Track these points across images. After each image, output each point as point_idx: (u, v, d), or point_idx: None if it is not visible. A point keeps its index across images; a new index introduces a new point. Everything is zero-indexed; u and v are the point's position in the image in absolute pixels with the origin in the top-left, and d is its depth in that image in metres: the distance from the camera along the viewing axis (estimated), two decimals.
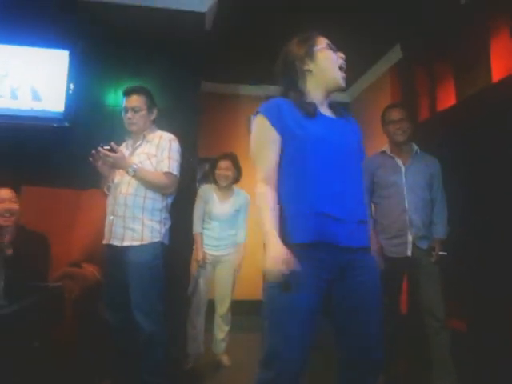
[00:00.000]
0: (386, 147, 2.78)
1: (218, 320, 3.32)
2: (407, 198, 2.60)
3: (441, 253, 2.63)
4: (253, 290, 5.31)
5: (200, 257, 3.19)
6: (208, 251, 3.25)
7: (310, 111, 1.54)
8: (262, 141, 1.55)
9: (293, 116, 1.52)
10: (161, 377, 2.44)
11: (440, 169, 2.72)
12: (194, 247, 3.29)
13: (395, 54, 4.59)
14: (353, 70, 5.23)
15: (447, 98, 3.82)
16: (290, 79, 1.61)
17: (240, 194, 3.39)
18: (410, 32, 4.06)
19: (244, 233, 3.41)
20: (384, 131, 2.79)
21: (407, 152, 2.71)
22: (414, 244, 2.59)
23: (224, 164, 3.31)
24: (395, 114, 2.72)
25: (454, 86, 3.72)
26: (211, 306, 3.35)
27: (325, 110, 1.63)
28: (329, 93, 1.64)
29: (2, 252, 2.44)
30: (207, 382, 3.04)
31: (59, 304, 2.44)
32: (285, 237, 1.45)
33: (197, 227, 3.25)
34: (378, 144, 4.95)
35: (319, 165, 1.50)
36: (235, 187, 3.41)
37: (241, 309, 4.97)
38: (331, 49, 1.62)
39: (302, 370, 1.47)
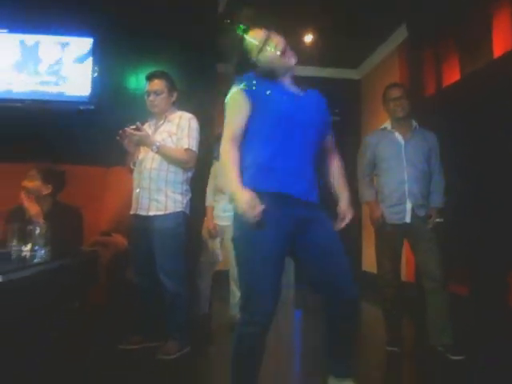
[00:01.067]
0: (387, 123, 2.97)
1: (231, 285, 3.56)
2: (406, 170, 2.80)
3: (437, 220, 2.84)
4: None
5: (210, 227, 3.45)
6: (217, 222, 3.51)
7: (273, 76, 1.80)
8: (234, 107, 1.77)
9: (260, 85, 1.77)
10: (183, 330, 2.74)
11: (438, 143, 2.91)
12: (205, 218, 3.54)
13: (402, 33, 4.73)
14: (362, 49, 5.42)
15: (452, 75, 3.97)
16: (248, 63, 1.83)
17: None
18: (415, 11, 4.19)
19: None
20: (385, 109, 2.98)
21: (407, 128, 2.90)
22: (412, 212, 2.79)
23: None
24: (395, 93, 2.91)
25: (458, 63, 3.87)
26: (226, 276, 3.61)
27: (288, 85, 1.86)
28: (285, 73, 1.85)
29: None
30: (223, 339, 3.31)
31: (94, 268, 2.72)
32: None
33: (208, 200, 3.52)
34: (387, 119, 5.14)
35: (277, 129, 1.74)
36: None
37: None
38: (277, 48, 1.81)
39: (274, 310, 1.69)
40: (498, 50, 3.41)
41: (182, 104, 2.96)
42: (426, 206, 2.83)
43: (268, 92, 1.77)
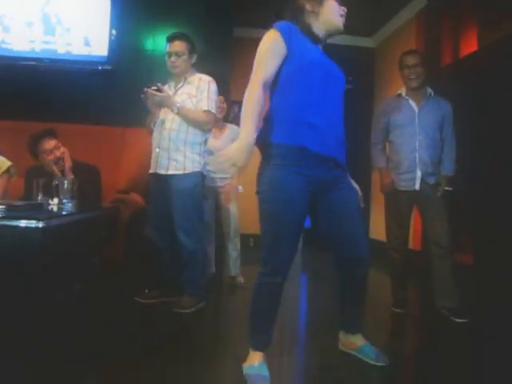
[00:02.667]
0: (402, 90, 2.98)
1: (227, 246, 3.67)
2: (418, 137, 2.83)
3: (446, 188, 2.89)
4: None
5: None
6: (208, 184, 3.49)
7: (315, 37, 1.83)
8: (270, 50, 1.73)
9: (299, 39, 1.79)
10: (199, 286, 2.86)
11: (451, 111, 2.92)
12: None
13: (420, 1, 4.67)
14: (378, 16, 5.36)
15: (469, 45, 3.96)
16: (298, 17, 1.85)
17: (232, 129, 3.64)
18: None
19: None
20: (400, 75, 2.99)
21: (421, 95, 2.91)
22: (422, 179, 2.85)
23: (219, 98, 3.41)
24: (410, 60, 2.91)
25: (476, 34, 3.85)
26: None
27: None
28: (328, 35, 1.90)
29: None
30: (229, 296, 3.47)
31: (116, 223, 2.82)
32: (269, 137, 1.75)
33: None
34: (401, 88, 5.13)
35: (314, 83, 1.76)
36: (228, 124, 3.69)
37: (255, 241, 5.36)
38: (337, 1, 1.86)
39: (291, 263, 1.83)
40: None
41: (197, 67, 3.00)
42: (436, 174, 2.88)
43: (304, 43, 1.79)
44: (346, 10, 1.88)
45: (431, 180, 2.86)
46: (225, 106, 3.63)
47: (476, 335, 2.55)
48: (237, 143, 1.65)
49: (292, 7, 1.88)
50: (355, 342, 2.08)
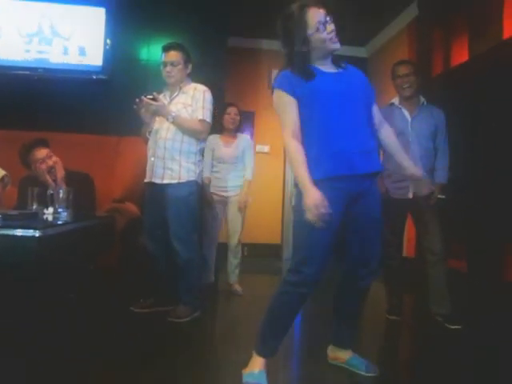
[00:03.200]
0: (395, 99, 3.02)
1: (228, 254, 3.71)
2: (411, 146, 2.86)
3: (439, 196, 2.90)
4: (270, 235, 5.74)
5: (208, 197, 3.53)
6: (218, 192, 3.61)
7: (308, 74, 1.83)
8: (283, 107, 1.84)
9: (298, 80, 1.82)
10: (195, 296, 2.85)
11: (445, 120, 2.95)
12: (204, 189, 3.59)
13: (412, 11, 4.74)
14: (371, 27, 5.44)
15: (460, 55, 4.01)
16: (293, 56, 1.86)
17: (243, 138, 3.74)
18: None
19: (251, 170, 3.72)
20: (393, 85, 3.03)
21: (414, 104, 2.95)
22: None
23: (233, 110, 3.66)
24: (402, 69, 2.95)
25: (467, 43, 3.90)
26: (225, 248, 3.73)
27: (328, 67, 1.90)
28: (327, 54, 1.90)
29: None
30: (227, 305, 3.47)
31: (111, 232, 2.81)
32: (309, 176, 1.78)
33: (205, 172, 3.49)
34: (394, 97, 5.18)
35: (329, 112, 1.81)
36: (239, 133, 3.75)
37: (258, 252, 5.39)
38: (319, 30, 1.81)
39: (320, 277, 1.84)
40: (507, 31, 3.44)
41: (193, 76, 3.01)
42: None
43: (305, 81, 1.82)
44: (333, 29, 1.85)
45: None
46: (238, 117, 3.68)
47: (469, 341, 2.57)
48: (306, 196, 1.70)
49: (285, 51, 1.90)
50: (342, 356, 2.09)
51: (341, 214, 1.82)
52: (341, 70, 1.92)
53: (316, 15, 1.82)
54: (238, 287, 3.67)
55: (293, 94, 1.82)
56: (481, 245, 3.52)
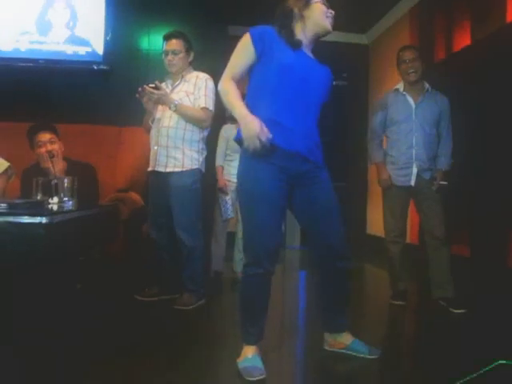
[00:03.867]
0: (400, 85, 3.01)
1: (237, 241, 3.70)
2: (415, 133, 2.87)
3: (441, 182, 2.92)
4: None
5: (221, 185, 3.57)
6: (233, 180, 3.53)
7: (295, 43, 1.87)
8: (239, 52, 1.86)
9: (277, 43, 1.85)
10: (199, 284, 2.87)
11: (449, 106, 2.95)
12: (218, 178, 3.63)
13: None
14: (372, 13, 5.39)
15: (463, 40, 3.98)
16: (286, 21, 1.92)
17: None
18: None
19: None
20: (398, 71, 3.03)
21: (419, 90, 2.94)
22: (418, 175, 2.89)
23: None
24: (407, 55, 2.94)
25: (469, 28, 3.88)
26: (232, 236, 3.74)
27: (307, 51, 1.95)
28: (317, 37, 1.95)
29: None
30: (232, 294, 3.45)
31: (116, 221, 2.82)
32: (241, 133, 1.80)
33: (219, 161, 3.59)
34: (395, 84, 5.16)
35: (288, 87, 1.83)
36: None
37: None
38: (324, 3, 1.92)
39: (275, 253, 1.86)
40: (511, 15, 3.42)
41: (194, 65, 3.00)
42: (432, 169, 2.92)
43: (282, 49, 1.84)
44: (333, 13, 1.94)
45: (427, 175, 2.90)
46: None
47: (473, 326, 2.58)
48: (244, 126, 1.71)
49: (281, 11, 1.94)
50: (343, 341, 2.06)
51: (280, 190, 1.82)
52: (316, 60, 1.96)
53: (322, 5, 1.91)
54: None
55: (257, 49, 1.83)
56: (485, 231, 3.52)
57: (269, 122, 1.76)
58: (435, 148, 2.93)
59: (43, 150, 2.91)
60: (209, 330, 2.50)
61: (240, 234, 3.65)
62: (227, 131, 3.60)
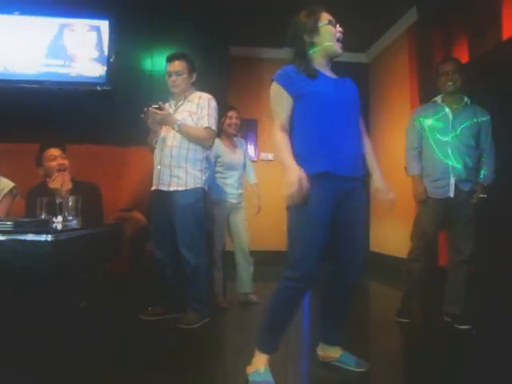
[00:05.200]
0: (438, 97, 2.98)
1: (241, 262, 3.54)
2: (451, 144, 2.83)
3: (481, 195, 2.85)
4: (275, 242, 5.73)
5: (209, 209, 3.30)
6: (228, 199, 3.46)
7: (312, 74, 1.94)
8: (277, 101, 1.94)
9: (300, 78, 1.92)
10: (203, 302, 2.85)
11: (489, 120, 2.91)
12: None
13: (412, 16, 4.78)
14: (371, 32, 5.49)
15: (461, 56, 4.04)
16: (299, 48, 2.00)
17: (240, 141, 3.68)
18: None
19: (254, 173, 3.73)
20: (436, 82, 2.99)
21: (457, 102, 2.91)
22: (456, 186, 2.80)
23: (233, 113, 3.56)
24: (447, 67, 2.92)
25: (467, 45, 3.94)
26: (231, 256, 3.59)
27: (327, 73, 2.02)
28: (330, 59, 2.03)
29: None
30: (237, 313, 3.42)
31: (118, 240, 2.83)
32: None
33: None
34: (395, 102, 5.23)
35: (326, 113, 1.91)
36: (235, 138, 3.65)
37: (263, 259, 5.37)
38: (332, 24, 1.98)
39: (318, 272, 1.89)
40: (507, 32, 3.48)
41: (196, 85, 3.03)
42: (471, 181, 2.84)
43: (307, 81, 1.91)
44: (342, 31, 2.01)
45: (466, 186, 2.83)
46: (239, 121, 3.60)
47: (476, 342, 2.55)
48: (290, 179, 1.78)
49: (293, 40, 2.01)
50: (333, 354, 2.12)
51: (331, 212, 1.90)
52: (338, 78, 2.03)
53: (327, 15, 2.00)
54: (254, 297, 3.54)
55: (290, 90, 1.91)
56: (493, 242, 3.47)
57: (314, 154, 1.88)
58: (474, 159, 2.86)
59: (55, 163, 2.97)
60: (214, 349, 2.49)
61: (247, 254, 3.54)
62: (216, 147, 3.35)
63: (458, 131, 2.84)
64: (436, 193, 2.87)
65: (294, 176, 1.77)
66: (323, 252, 1.90)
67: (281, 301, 1.93)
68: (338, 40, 1.98)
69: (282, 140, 1.90)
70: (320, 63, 1.99)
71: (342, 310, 2.12)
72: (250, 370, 1.90)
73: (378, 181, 2.09)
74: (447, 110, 2.90)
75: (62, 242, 1.57)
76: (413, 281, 2.96)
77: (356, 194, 1.99)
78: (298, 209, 1.87)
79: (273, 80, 1.96)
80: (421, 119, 2.97)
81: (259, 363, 1.90)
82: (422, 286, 3.01)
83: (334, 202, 1.91)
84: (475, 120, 2.87)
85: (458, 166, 2.82)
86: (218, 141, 3.43)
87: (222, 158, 3.46)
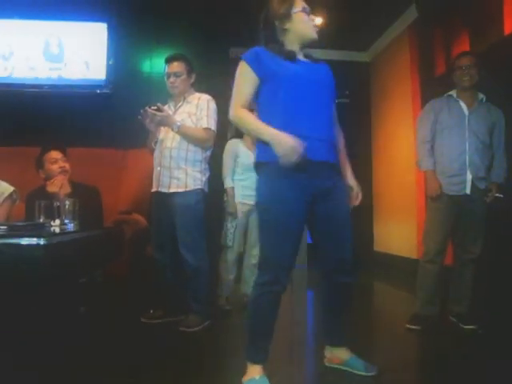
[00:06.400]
0: (453, 91, 2.89)
1: (249, 265, 3.47)
2: (468, 140, 2.73)
3: (497, 195, 2.78)
4: None
5: (234, 209, 3.32)
6: (246, 201, 3.34)
7: (290, 55, 1.88)
8: (241, 80, 1.87)
9: (273, 59, 1.84)
10: (204, 304, 2.83)
11: (503, 118, 2.85)
12: (226, 200, 3.40)
13: (411, 13, 4.75)
14: (372, 31, 5.45)
15: None
16: (270, 34, 1.93)
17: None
18: None
19: None
20: (452, 77, 2.90)
21: (472, 98, 2.83)
22: (472, 183, 2.72)
23: (254, 114, 3.46)
24: (464, 61, 2.82)
25: (468, 42, 3.90)
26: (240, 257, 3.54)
27: (300, 56, 1.95)
28: (304, 45, 1.96)
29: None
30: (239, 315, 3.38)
31: (120, 243, 2.81)
32: (261, 157, 1.84)
33: (228, 181, 3.34)
34: (397, 100, 5.20)
35: (296, 96, 1.83)
36: None
37: None
38: (305, 12, 1.91)
39: (291, 270, 1.85)
40: (508, 28, 3.44)
41: (196, 86, 3.03)
42: (487, 180, 2.78)
43: (278, 62, 1.84)
44: (314, 19, 1.96)
45: (482, 185, 2.76)
46: None
47: (482, 345, 2.51)
48: (277, 144, 1.71)
49: (263, 27, 1.95)
50: (340, 356, 2.05)
51: (302, 211, 1.82)
52: (311, 61, 1.96)
53: (301, 2, 1.93)
54: None
55: (257, 71, 1.84)
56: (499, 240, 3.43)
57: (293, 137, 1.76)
58: (489, 157, 2.80)
59: (56, 166, 2.96)
60: (216, 352, 2.46)
61: (253, 257, 3.40)
62: (234, 146, 3.40)
63: (475, 127, 2.75)
64: (451, 189, 2.76)
65: (287, 142, 1.69)
66: (296, 253, 1.85)
67: (258, 308, 1.86)
68: (311, 26, 1.92)
69: (248, 115, 1.83)
70: (292, 44, 1.92)
71: (341, 308, 2.05)
72: (245, 379, 1.84)
73: (350, 178, 2.02)
74: (463, 105, 2.81)
75: (55, 245, 1.54)
76: (430, 285, 2.79)
77: (334, 192, 1.88)
78: (267, 208, 1.82)
79: (240, 59, 1.89)
80: (436, 112, 2.86)
81: (254, 372, 1.83)
82: (441, 290, 2.84)
83: (307, 201, 1.82)
84: (490, 118, 2.80)
85: (477, 161, 2.73)
86: (238, 141, 3.44)
87: (241, 159, 3.37)
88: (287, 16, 1.89)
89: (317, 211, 1.87)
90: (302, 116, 1.82)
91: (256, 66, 1.84)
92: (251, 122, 1.83)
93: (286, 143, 1.69)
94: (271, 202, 1.80)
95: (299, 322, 3.20)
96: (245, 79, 1.86)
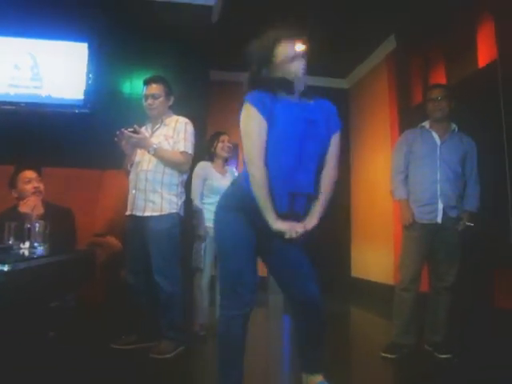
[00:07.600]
0: (426, 123, 2.96)
1: (218, 287, 3.26)
2: (440, 169, 2.78)
3: (468, 223, 2.83)
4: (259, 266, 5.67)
5: (202, 232, 3.25)
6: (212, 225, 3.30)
7: (289, 86, 1.81)
8: (252, 127, 1.75)
9: (272, 102, 1.75)
10: (178, 331, 2.77)
11: (475, 148, 2.91)
12: (195, 223, 3.30)
13: (391, 43, 4.87)
14: (351, 58, 5.56)
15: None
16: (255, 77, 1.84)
17: (232, 170, 3.58)
18: (402, 22, 4.34)
19: None
20: (424, 108, 2.98)
21: (445, 129, 2.89)
22: (444, 212, 2.76)
23: (225, 137, 3.48)
24: (435, 93, 2.91)
25: (444, 73, 4.01)
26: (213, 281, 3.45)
27: (291, 97, 1.84)
28: (290, 87, 1.83)
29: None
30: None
31: (91, 266, 2.75)
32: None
33: (197, 203, 3.26)
34: (375, 127, 5.28)
35: (280, 147, 1.77)
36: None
37: None
38: (290, 60, 1.81)
39: (255, 296, 1.83)
40: (482, 60, 3.54)
41: (175, 109, 3.02)
42: (458, 208, 2.82)
43: (277, 108, 1.76)
44: (302, 49, 1.86)
45: (453, 213, 2.80)
46: (231, 145, 3.51)
47: (460, 372, 2.50)
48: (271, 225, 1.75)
49: (256, 63, 1.85)
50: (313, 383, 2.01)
51: (248, 232, 1.82)
52: (305, 101, 1.87)
53: (287, 49, 1.83)
54: None
55: (264, 114, 1.74)
56: (472, 270, 3.47)
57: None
58: (461, 186, 2.85)
59: (30, 186, 2.91)
60: (188, 379, 2.42)
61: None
62: (203, 169, 3.34)
63: (447, 157, 2.82)
64: (424, 218, 2.82)
65: (284, 228, 1.75)
66: (255, 273, 1.84)
67: (228, 332, 1.81)
68: (294, 60, 1.81)
69: (264, 182, 1.73)
70: (279, 87, 1.82)
71: (314, 337, 2.00)
72: None
73: (309, 221, 1.85)
74: (435, 135, 2.88)
75: (19, 271, 1.49)
76: (406, 313, 2.79)
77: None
78: (218, 235, 1.87)
79: (245, 101, 1.77)
80: (409, 143, 2.93)
81: None
82: (418, 317, 2.83)
83: (254, 229, 1.81)
84: (462, 147, 2.86)
85: (447, 190, 2.79)
86: (208, 164, 3.40)
87: (210, 182, 3.32)
88: (266, 63, 1.82)
89: (266, 250, 1.88)
90: (276, 170, 1.77)
91: (263, 110, 1.74)
92: (262, 192, 1.74)
93: (280, 228, 1.74)
94: (219, 231, 1.87)
95: (275, 348, 3.16)
96: (257, 126, 1.75)
